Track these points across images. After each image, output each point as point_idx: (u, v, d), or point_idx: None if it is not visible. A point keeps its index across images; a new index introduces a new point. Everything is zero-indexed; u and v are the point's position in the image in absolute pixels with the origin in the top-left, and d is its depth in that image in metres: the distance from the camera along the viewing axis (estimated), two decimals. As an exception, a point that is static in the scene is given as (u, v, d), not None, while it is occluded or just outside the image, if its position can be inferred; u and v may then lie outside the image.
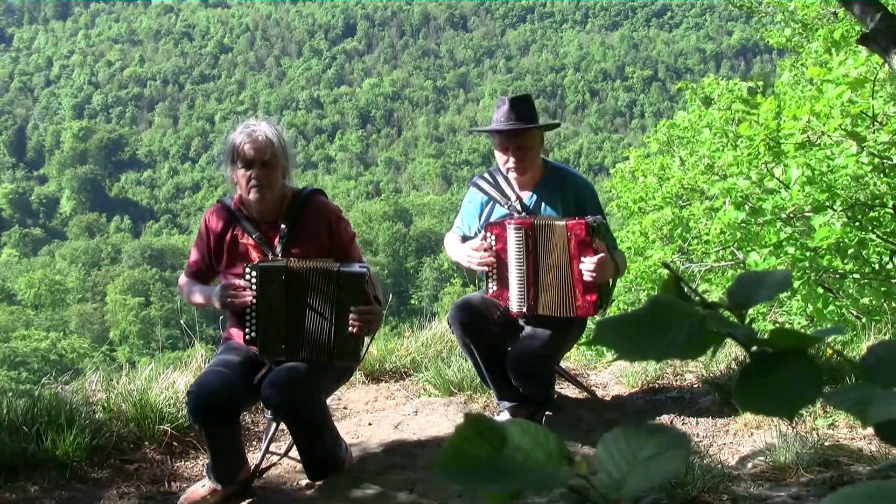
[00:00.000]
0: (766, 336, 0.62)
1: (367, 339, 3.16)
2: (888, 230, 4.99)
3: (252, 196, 3.01)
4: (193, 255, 3.23)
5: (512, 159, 3.43)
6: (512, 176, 3.51)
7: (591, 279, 3.28)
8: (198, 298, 3.15)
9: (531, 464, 0.60)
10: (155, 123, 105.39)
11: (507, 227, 3.40)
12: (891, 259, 5.15)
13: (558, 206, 3.49)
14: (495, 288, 3.46)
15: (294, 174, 3.21)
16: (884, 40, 3.41)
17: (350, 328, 2.99)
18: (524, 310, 3.43)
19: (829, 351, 3.48)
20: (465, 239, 3.68)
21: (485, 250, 3.43)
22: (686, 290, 0.66)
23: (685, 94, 9.19)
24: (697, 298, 0.65)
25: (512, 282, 3.41)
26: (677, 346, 0.61)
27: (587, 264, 3.28)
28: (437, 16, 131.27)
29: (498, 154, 3.51)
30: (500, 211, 3.55)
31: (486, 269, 3.46)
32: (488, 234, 3.45)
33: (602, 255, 3.28)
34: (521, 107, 3.43)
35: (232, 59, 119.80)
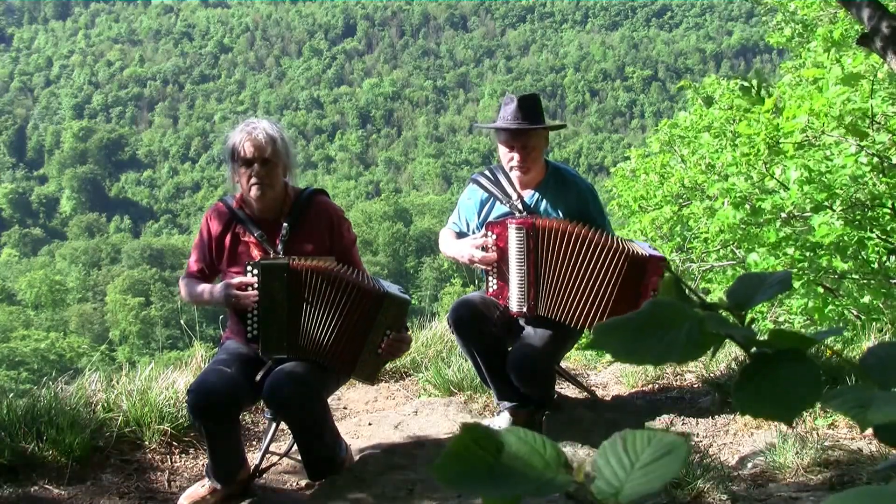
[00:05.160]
0: (765, 337, 0.62)
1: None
2: (887, 230, 4.99)
3: (253, 194, 3.01)
4: (194, 255, 3.22)
5: (517, 157, 3.43)
6: (515, 174, 3.50)
7: None
8: (199, 297, 3.14)
9: (529, 470, 0.60)
10: (155, 123, 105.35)
11: (508, 226, 3.39)
12: (888, 257, 5.15)
13: (560, 207, 3.48)
14: (495, 287, 3.46)
15: (296, 174, 3.21)
16: (883, 40, 3.41)
17: (379, 350, 3.00)
18: (524, 310, 3.42)
19: (829, 352, 3.48)
20: (460, 235, 3.66)
21: (485, 248, 3.43)
22: (686, 290, 0.66)
23: (686, 93, 9.18)
24: (697, 299, 0.65)
25: (512, 281, 3.40)
26: (676, 348, 0.60)
27: None
28: (437, 16, 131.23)
29: (503, 151, 3.50)
30: (500, 209, 3.54)
31: (485, 267, 3.46)
32: (489, 233, 3.44)
33: None
34: (530, 106, 3.43)
35: (232, 59, 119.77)
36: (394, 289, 3.05)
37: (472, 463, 0.60)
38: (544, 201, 3.51)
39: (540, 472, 0.60)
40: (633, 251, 3.31)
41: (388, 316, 2.98)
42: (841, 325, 5.00)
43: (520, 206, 3.49)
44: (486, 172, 3.64)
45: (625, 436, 0.63)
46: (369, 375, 3.11)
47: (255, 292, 2.97)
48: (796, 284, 4.79)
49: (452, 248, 3.58)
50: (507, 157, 3.47)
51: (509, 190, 3.52)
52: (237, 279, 3.01)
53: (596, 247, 3.31)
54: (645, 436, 0.62)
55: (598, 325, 0.65)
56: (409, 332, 3.13)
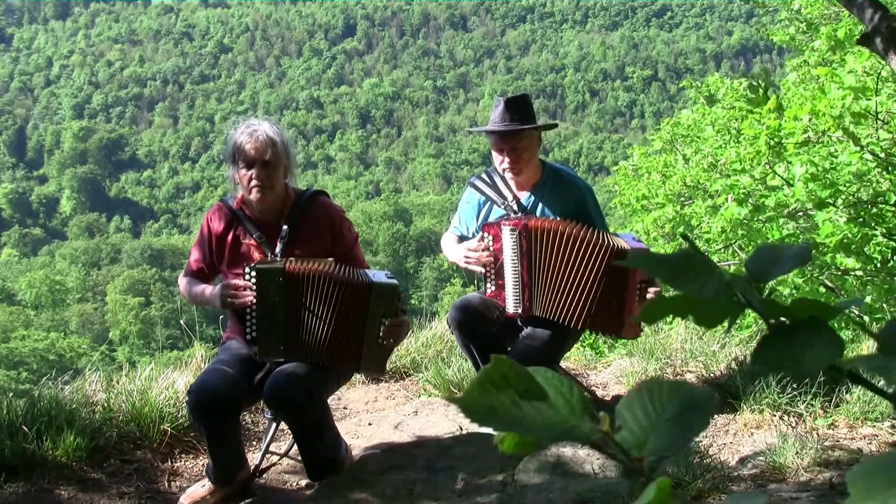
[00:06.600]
0: (786, 306, 0.60)
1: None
2: (890, 226, 4.99)
3: (253, 196, 3.01)
4: (194, 255, 3.22)
5: (507, 159, 3.43)
6: (508, 176, 3.50)
7: None
8: (198, 298, 3.14)
9: (554, 415, 0.59)
10: (155, 123, 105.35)
11: (502, 227, 3.39)
12: (892, 256, 5.14)
13: (557, 208, 3.48)
14: (493, 288, 3.46)
15: (297, 174, 3.21)
16: (883, 40, 3.41)
17: (381, 340, 3.00)
18: (519, 310, 3.41)
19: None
20: (462, 239, 3.67)
21: (482, 251, 3.43)
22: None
23: (687, 93, 9.17)
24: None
25: (507, 282, 3.40)
26: (707, 295, 0.58)
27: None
28: (437, 16, 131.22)
29: (494, 154, 3.51)
30: (497, 211, 3.54)
31: (482, 269, 3.46)
32: (485, 235, 3.44)
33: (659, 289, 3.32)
34: (517, 107, 3.42)
35: (232, 59, 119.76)
36: (380, 276, 3.03)
37: (498, 398, 0.58)
38: (541, 203, 3.50)
39: (565, 417, 0.59)
40: (615, 245, 3.30)
41: (379, 304, 2.97)
42: (860, 298, 4.96)
43: (515, 208, 3.49)
44: (483, 175, 3.65)
45: (651, 386, 0.61)
46: (378, 366, 3.10)
47: (251, 294, 2.97)
48: (799, 281, 4.79)
49: (453, 253, 3.60)
50: (499, 160, 3.48)
51: (505, 192, 3.53)
52: (233, 281, 3.01)
53: (584, 244, 3.30)
54: (673, 386, 0.61)
55: (633, 253, 0.63)
56: (406, 316, 3.10)
